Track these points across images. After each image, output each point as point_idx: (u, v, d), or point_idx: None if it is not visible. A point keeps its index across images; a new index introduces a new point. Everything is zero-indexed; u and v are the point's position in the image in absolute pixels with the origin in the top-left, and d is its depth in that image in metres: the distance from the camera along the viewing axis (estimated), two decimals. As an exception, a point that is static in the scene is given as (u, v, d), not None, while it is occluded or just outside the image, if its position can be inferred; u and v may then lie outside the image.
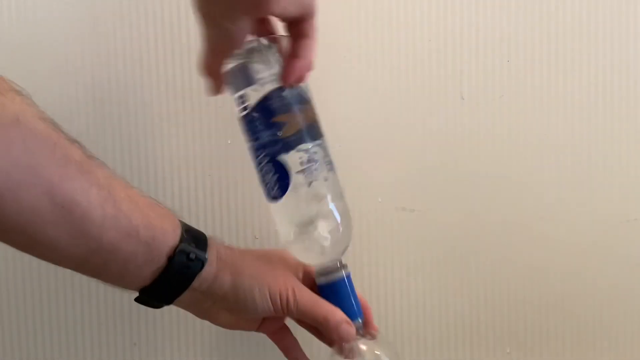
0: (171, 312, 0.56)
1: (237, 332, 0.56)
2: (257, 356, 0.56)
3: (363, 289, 0.55)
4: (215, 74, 0.43)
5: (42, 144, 0.32)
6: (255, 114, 0.43)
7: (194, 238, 0.39)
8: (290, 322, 0.48)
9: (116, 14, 0.54)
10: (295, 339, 0.47)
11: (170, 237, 0.38)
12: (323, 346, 0.46)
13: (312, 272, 0.45)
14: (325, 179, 0.44)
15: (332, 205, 0.44)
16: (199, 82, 0.55)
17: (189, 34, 0.55)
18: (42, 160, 0.32)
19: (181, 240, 0.38)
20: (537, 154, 0.56)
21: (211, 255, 0.39)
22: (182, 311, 0.56)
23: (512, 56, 0.56)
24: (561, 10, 0.56)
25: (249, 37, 0.42)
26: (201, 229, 0.55)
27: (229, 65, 0.43)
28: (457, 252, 0.57)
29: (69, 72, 0.54)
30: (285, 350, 0.47)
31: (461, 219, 0.56)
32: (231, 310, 0.42)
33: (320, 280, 0.44)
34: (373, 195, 0.55)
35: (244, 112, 0.44)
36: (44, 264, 0.55)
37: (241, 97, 0.44)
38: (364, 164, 0.48)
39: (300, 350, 0.47)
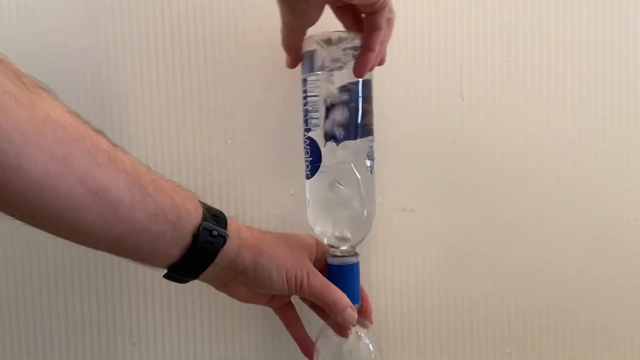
0: (171, 312, 0.56)
1: (237, 333, 0.56)
2: (256, 356, 0.57)
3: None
4: (291, 49, 0.48)
5: (73, 136, 0.34)
6: (312, 98, 0.47)
7: (215, 217, 0.42)
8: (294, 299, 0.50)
9: (116, 14, 0.54)
10: (297, 315, 0.51)
11: (194, 216, 0.40)
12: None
13: (325, 256, 0.49)
14: (359, 172, 0.47)
15: (357, 197, 0.47)
16: (199, 82, 0.55)
17: (189, 34, 0.55)
18: (74, 150, 0.34)
19: (204, 219, 0.41)
20: (537, 153, 0.56)
21: (232, 233, 0.42)
22: (181, 311, 0.56)
23: (512, 56, 0.56)
24: (561, 11, 0.56)
25: (333, 30, 0.47)
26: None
27: (303, 49, 0.47)
28: (457, 252, 0.57)
29: (69, 72, 0.55)
30: (287, 324, 0.51)
31: (461, 219, 0.56)
32: (248, 285, 0.45)
33: (332, 261, 0.48)
34: (373, 195, 0.55)
35: (304, 94, 0.48)
36: (43, 264, 0.56)
37: (305, 80, 0.47)
38: (373, 165, 0.49)
39: (302, 325, 0.51)
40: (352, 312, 0.46)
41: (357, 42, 0.46)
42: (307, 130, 0.47)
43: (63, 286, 0.56)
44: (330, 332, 0.48)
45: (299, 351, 0.51)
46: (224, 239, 0.41)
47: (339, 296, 0.46)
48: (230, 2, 0.54)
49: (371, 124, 0.48)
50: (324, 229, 0.48)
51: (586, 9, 0.56)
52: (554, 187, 0.57)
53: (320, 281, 0.46)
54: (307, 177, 0.48)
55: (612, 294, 0.58)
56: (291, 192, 0.56)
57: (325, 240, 0.49)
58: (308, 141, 0.47)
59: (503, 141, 0.56)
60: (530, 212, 0.57)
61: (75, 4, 0.54)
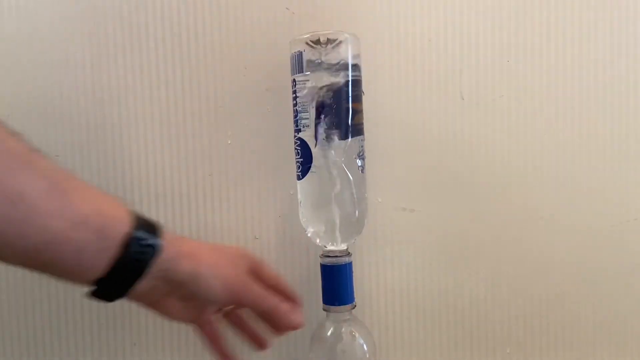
0: (171, 312, 0.56)
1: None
2: (256, 356, 0.56)
3: (363, 288, 0.56)
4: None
5: None
6: (301, 98, 0.47)
7: (146, 225, 0.39)
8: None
9: (116, 14, 0.54)
10: (221, 331, 0.49)
11: (121, 224, 0.37)
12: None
13: (260, 270, 0.47)
14: (350, 172, 0.47)
15: (349, 196, 0.47)
16: (199, 83, 0.55)
17: (189, 34, 0.55)
18: None
19: (133, 227, 0.37)
20: (536, 154, 0.56)
21: (167, 242, 0.39)
22: (182, 311, 0.56)
23: (512, 56, 0.56)
24: (561, 11, 0.56)
25: (321, 31, 0.46)
26: (201, 229, 0.56)
27: (292, 50, 0.47)
28: (457, 252, 0.57)
29: (69, 72, 0.55)
30: (210, 341, 0.48)
31: (461, 219, 0.56)
32: (186, 297, 0.43)
33: (325, 261, 0.48)
34: (373, 195, 0.55)
35: (294, 94, 0.48)
36: (44, 264, 0.56)
37: (294, 80, 0.48)
38: (364, 164, 0.49)
39: (225, 341, 0.49)
40: (293, 315, 0.44)
41: (345, 42, 0.46)
42: (298, 131, 0.48)
43: (63, 286, 0.56)
44: (324, 332, 0.48)
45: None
46: (156, 248, 0.38)
47: (276, 302, 0.44)
48: (230, 2, 0.54)
49: (361, 124, 0.48)
50: (316, 229, 0.48)
51: (586, 9, 0.56)
52: (555, 187, 0.57)
53: (258, 289, 0.44)
54: (298, 178, 0.49)
55: (612, 294, 0.58)
56: (291, 192, 0.56)
57: (317, 241, 0.49)
58: (299, 142, 0.48)
59: (503, 141, 0.56)
60: (530, 212, 0.57)
61: (75, 4, 0.54)
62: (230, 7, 0.54)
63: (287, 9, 0.54)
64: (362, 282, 0.56)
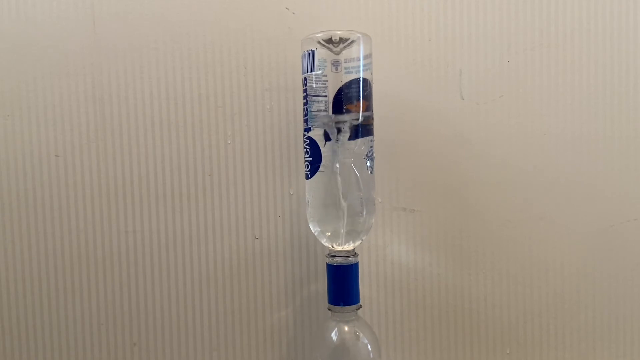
0: (171, 312, 0.56)
1: (237, 334, 0.56)
2: (256, 356, 0.57)
3: (363, 288, 0.56)
4: None
5: None
6: (312, 97, 0.47)
7: None
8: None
9: (116, 14, 0.54)
10: None
11: None
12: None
13: None
14: (359, 172, 0.47)
15: (357, 197, 0.47)
16: (199, 82, 0.55)
17: (189, 34, 0.55)
18: None
19: None
20: (536, 154, 0.56)
21: None
22: (182, 311, 0.56)
23: (512, 56, 0.56)
24: (561, 11, 0.56)
25: (334, 30, 0.46)
26: (201, 229, 0.56)
27: (304, 49, 0.47)
28: (457, 251, 0.57)
29: (69, 72, 0.55)
30: None
31: (461, 219, 0.56)
32: None
33: (331, 261, 0.48)
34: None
35: (305, 93, 0.48)
36: (43, 264, 0.56)
37: (305, 79, 0.47)
38: (373, 165, 0.49)
39: None
40: None
41: (358, 41, 0.46)
42: (307, 129, 0.48)
43: (63, 286, 0.56)
44: (328, 331, 0.48)
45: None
46: None
47: None
48: (230, 2, 0.54)
49: (371, 124, 0.48)
50: (323, 229, 0.48)
51: (586, 9, 0.56)
52: (554, 187, 0.57)
53: None
54: (307, 177, 0.48)
55: (612, 294, 0.58)
56: (291, 192, 0.56)
57: (324, 240, 0.49)
58: (308, 141, 0.48)
59: (503, 141, 0.56)
60: (530, 212, 0.57)
61: (75, 5, 0.54)
62: (230, 7, 0.55)
63: (287, 9, 0.54)
64: (361, 282, 0.56)
